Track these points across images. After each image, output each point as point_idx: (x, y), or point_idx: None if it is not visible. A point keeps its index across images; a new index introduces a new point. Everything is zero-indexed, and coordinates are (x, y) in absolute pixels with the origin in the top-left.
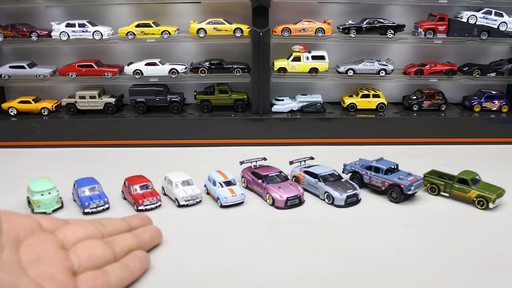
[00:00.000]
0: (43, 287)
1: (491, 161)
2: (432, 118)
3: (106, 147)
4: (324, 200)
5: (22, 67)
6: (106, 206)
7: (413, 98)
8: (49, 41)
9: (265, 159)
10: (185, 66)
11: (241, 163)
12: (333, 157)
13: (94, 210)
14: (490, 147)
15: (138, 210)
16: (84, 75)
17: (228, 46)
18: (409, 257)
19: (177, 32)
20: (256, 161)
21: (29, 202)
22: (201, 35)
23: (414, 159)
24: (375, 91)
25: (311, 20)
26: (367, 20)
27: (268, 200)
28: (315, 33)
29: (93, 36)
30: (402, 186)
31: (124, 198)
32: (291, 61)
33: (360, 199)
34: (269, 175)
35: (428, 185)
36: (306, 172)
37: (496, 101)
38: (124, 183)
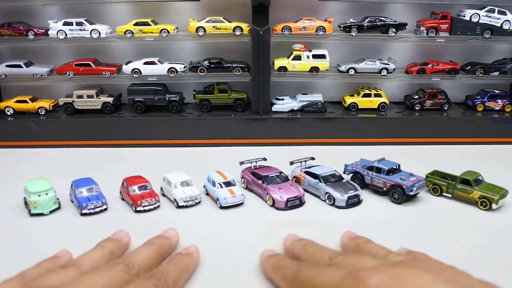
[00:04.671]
0: None
1: (494, 162)
2: (434, 117)
3: (104, 147)
4: (325, 201)
5: (19, 66)
6: (104, 207)
7: (415, 97)
8: (46, 40)
9: (265, 159)
10: (184, 65)
11: (241, 163)
12: (334, 157)
13: (92, 211)
14: (493, 147)
15: (136, 211)
16: (81, 74)
17: (227, 44)
18: None
19: (176, 31)
20: (256, 162)
21: (26, 203)
22: (200, 33)
23: (416, 159)
24: (377, 91)
25: (311, 18)
26: (368, 19)
27: (268, 201)
28: (316, 31)
29: (90, 34)
30: (404, 186)
31: (122, 199)
32: (292, 60)
33: (362, 200)
34: (269, 175)
35: (430, 185)
36: (306, 172)
37: (499, 101)
38: (122, 183)
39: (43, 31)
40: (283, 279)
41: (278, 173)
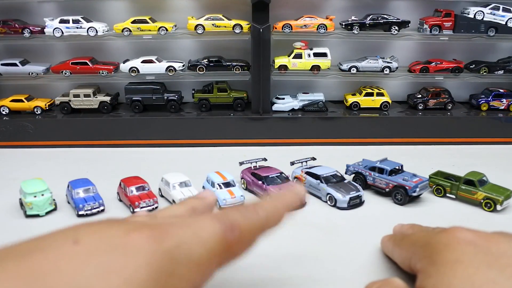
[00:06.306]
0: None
1: (499, 162)
2: (438, 117)
3: (101, 147)
4: (326, 202)
5: (14, 64)
6: (101, 208)
7: (418, 96)
8: (42, 38)
9: (265, 159)
10: (182, 64)
11: (241, 163)
12: (336, 158)
13: (88, 212)
14: (498, 147)
15: (133, 212)
16: (78, 72)
17: (227, 43)
18: None
19: (175, 29)
20: (256, 162)
21: (21, 204)
22: (199, 31)
23: (419, 159)
24: (379, 90)
25: (313, 16)
26: (370, 16)
27: None
28: (317, 29)
29: (87, 32)
30: (407, 187)
31: (120, 200)
32: (292, 58)
33: (364, 201)
34: (270, 176)
35: (434, 186)
36: (307, 173)
37: (504, 100)
38: (120, 184)
39: (39, 29)
40: (392, 243)
41: (279, 174)
